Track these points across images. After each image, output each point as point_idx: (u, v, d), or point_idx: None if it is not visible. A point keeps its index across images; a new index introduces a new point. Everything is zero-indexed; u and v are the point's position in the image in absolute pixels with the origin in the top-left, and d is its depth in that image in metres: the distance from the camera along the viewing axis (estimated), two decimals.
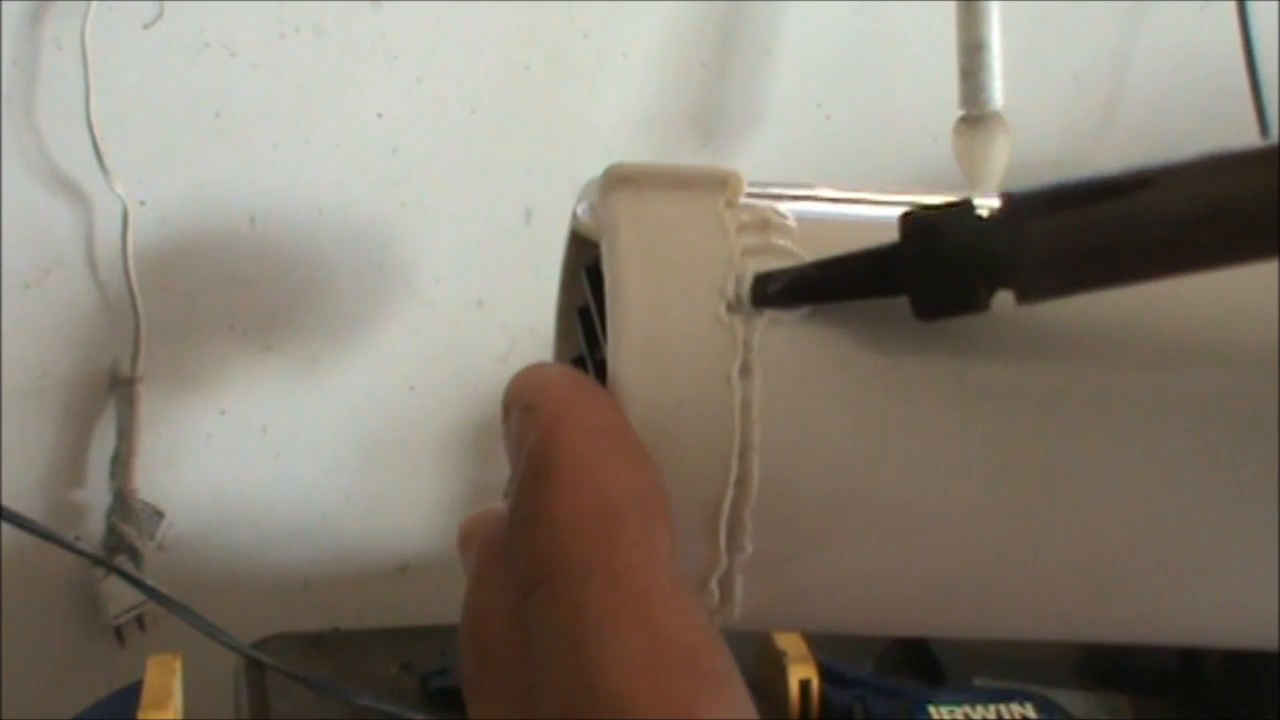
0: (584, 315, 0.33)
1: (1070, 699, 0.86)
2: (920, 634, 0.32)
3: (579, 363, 0.33)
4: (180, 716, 0.74)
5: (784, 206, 0.29)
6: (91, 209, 0.85)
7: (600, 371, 0.30)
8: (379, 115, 0.90)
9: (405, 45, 0.89)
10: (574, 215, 0.31)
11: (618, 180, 0.29)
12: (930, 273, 0.26)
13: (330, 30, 0.87)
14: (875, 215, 0.30)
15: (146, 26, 0.83)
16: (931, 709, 0.82)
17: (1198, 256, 0.25)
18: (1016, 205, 0.26)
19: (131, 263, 0.86)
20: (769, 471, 0.27)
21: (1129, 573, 0.29)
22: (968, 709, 0.83)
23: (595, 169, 0.30)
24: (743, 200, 0.29)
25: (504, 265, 0.95)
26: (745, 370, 0.27)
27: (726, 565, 0.28)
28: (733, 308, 0.27)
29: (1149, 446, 0.28)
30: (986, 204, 0.26)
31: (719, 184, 0.29)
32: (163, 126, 0.86)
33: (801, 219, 0.29)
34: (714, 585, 0.28)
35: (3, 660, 0.92)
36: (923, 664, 0.89)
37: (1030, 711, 0.83)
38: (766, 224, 0.29)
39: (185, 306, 0.89)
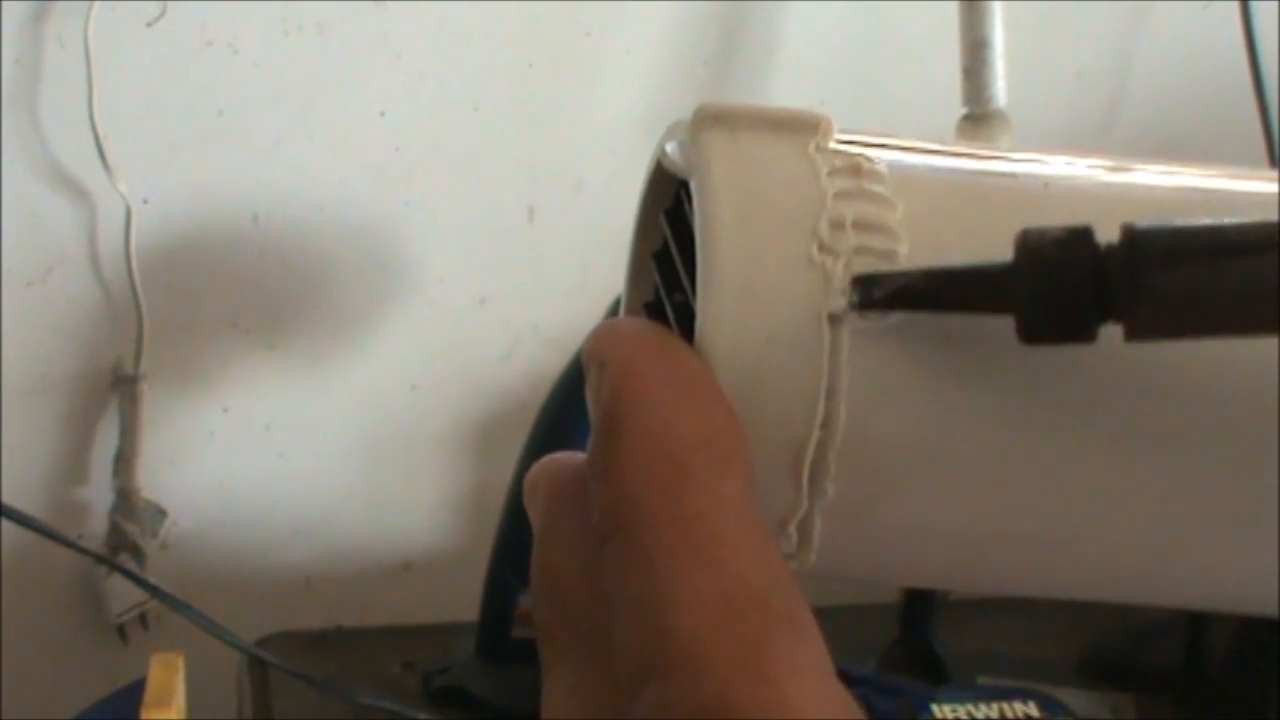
0: (659, 259, 0.32)
1: (1073, 697, 0.86)
2: (984, 591, 0.32)
3: (654, 307, 0.33)
4: (183, 715, 0.74)
5: (873, 154, 0.29)
6: (94, 207, 0.86)
7: (679, 315, 0.30)
8: (381, 113, 0.90)
9: (408, 43, 0.89)
10: (661, 151, 0.31)
11: (710, 119, 0.29)
12: (1042, 299, 0.26)
13: (333, 28, 0.87)
14: (963, 167, 0.30)
15: (149, 25, 0.83)
16: (935, 707, 0.83)
17: None
18: (1140, 245, 0.26)
19: (134, 261, 0.86)
20: (855, 414, 0.27)
21: (1197, 538, 0.30)
22: (971, 707, 0.83)
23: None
24: (832, 145, 0.29)
25: (507, 263, 0.95)
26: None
27: (806, 508, 0.28)
28: (825, 249, 0.27)
29: (1223, 416, 0.28)
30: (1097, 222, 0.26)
31: (810, 127, 0.29)
32: (165, 125, 0.86)
33: (891, 167, 0.29)
34: (792, 529, 0.28)
35: (5, 658, 0.92)
36: (926, 662, 0.89)
37: (1033, 710, 0.83)
38: (858, 169, 0.29)
39: (188, 305, 0.89)
